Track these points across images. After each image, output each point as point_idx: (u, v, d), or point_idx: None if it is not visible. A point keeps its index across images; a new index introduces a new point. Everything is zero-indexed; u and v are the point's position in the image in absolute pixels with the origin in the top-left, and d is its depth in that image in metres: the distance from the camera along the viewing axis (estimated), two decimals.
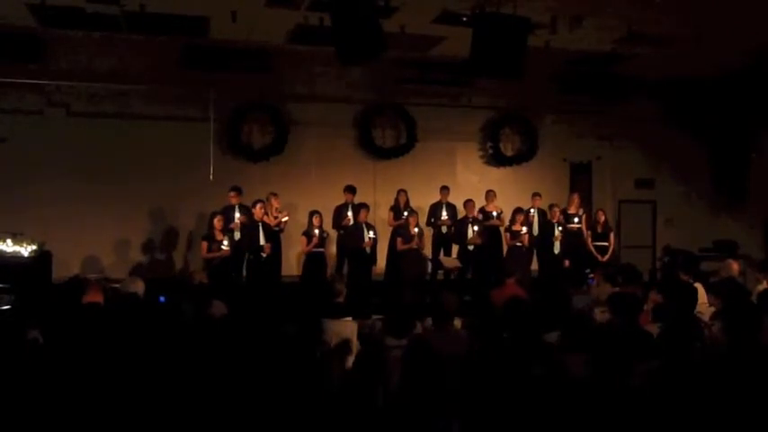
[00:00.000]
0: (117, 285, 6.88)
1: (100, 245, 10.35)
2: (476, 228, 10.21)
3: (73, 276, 8.49)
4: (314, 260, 9.58)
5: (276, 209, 9.72)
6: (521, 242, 10.19)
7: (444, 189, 10.72)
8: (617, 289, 6.10)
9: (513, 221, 10.28)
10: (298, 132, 11.12)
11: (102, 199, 10.11)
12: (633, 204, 12.85)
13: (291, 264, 10.47)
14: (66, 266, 9.72)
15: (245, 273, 9.40)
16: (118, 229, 10.42)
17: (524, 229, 10.17)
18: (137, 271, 10.11)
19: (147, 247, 10.64)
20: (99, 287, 6.14)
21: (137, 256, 10.59)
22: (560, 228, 10.37)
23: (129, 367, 3.58)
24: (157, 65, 10.36)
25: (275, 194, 9.81)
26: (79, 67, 10.04)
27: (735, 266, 7.25)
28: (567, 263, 10.39)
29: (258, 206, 9.33)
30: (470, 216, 10.36)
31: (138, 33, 9.59)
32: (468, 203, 10.45)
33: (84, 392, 3.37)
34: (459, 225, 10.43)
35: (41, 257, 8.64)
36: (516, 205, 10.56)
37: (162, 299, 5.83)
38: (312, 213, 9.60)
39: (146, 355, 3.75)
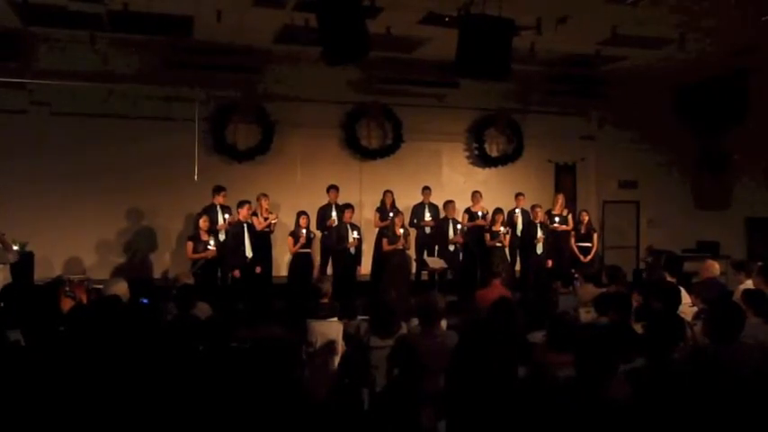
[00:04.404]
0: (100, 286, 6.83)
1: (82, 245, 10.26)
2: (458, 227, 10.26)
3: (56, 277, 8.43)
4: (300, 261, 9.57)
5: (266, 210, 9.70)
6: (500, 242, 10.24)
7: (426, 190, 10.76)
8: (602, 290, 6.15)
9: (493, 222, 10.33)
10: (283, 132, 11.09)
11: (86, 199, 10.03)
12: (617, 205, 12.94)
13: (279, 264, 10.44)
14: (48, 267, 9.66)
15: (231, 275, 9.36)
16: (101, 230, 10.34)
17: (502, 230, 10.22)
18: (119, 272, 10.04)
19: (130, 248, 10.55)
20: (82, 288, 6.10)
21: (119, 256, 10.51)
22: (542, 228, 10.44)
23: (112, 369, 3.55)
24: (142, 64, 10.29)
25: (266, 195, 9.77)
26: (62, 65, 9.92)
27: (716, 267, 7.33)
28: (549, 263, 10.46)
29: (246, 207, 9.29)
30: (450, 217, 10.40)
31: (122, 32, 9.51)
32: (449, 204, 10.49)
33: (66, 395, 3.34)
34: (439, 225, 10.46)
35: (23, 258, 8.55)
36: (502, 206, 10.62)
37: (145, 301, 5.79)
38: (299, 214, 9.58)
39: (129, 356, 3.72)
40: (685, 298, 6.05)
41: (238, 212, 9.31)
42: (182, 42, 9.94)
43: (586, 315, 5.63)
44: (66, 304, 5.44)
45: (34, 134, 9.96)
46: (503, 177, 12.24)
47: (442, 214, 10.59)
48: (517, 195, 10.94)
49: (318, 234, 10.09)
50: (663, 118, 12.37)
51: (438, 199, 10.78)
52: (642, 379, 3.52)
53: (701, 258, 8.92)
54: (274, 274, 10.03)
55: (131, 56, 10.24)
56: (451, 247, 10.27)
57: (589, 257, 10.53)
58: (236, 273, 9.22)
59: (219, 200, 9.45)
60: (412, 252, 10.54)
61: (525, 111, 12.38)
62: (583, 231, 10.66)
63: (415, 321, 5.28)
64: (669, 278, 6.86)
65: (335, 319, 5.79)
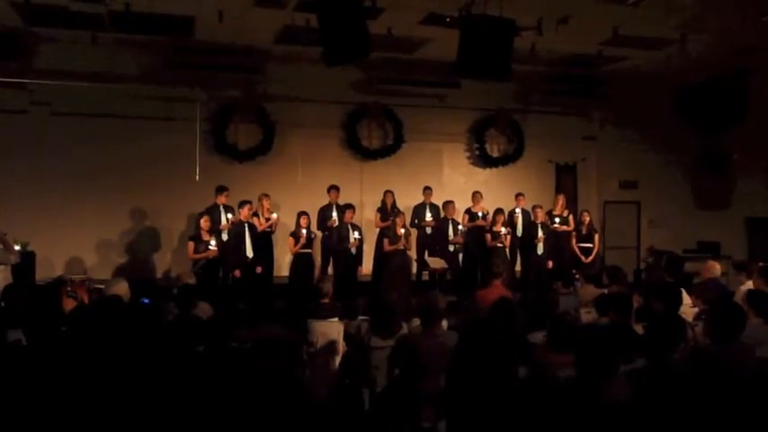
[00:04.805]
0: (101, 286, 6.84)
1: (83, 245, 10.26)
2: (459, 227, 10.26)
3: (57, 277, 8.44)
4: (301, 261, 9.57)
5: (268, 210, 9.71)
6: (501, 243, 10.23)
7: (427, 190, 10.77)
8: (603, 290, 6.16)
9: (493, 222, 10.33)
10: (284, 132, 11.10)
11: (87, 199, 10.04)
12: (618, 205, 12.95)
13: (280, 265, 10.44)
14: (49, 267, 9.67)
15: (232, 275, 9.35)
16: (102, 230, 10.35)
17: (503, 230, 10.22)
18: (121, 271, 10.05)
19: (132, 248, 10.56)
20: (84, 288, 6.10)
21: (121, 256, 10.52)
22: (543, 229, 10.44)
23: (114, 369, 3.55)
24: (143, 64, 10.30)
25: (267, 195, 9.79)
26: (63, 65, 9.92)
27: (717, 267, 7.33)
28: (550, 264, 10.46)
29: (247, 207, 9.30)
30: (450, 217, 10.40)
31: (124, 32, 9.52)
32: (448, 205, 10.49)
33: (68, 395, 3.34)
34: (439, 226, 10.47)
35: (25, 258, 8.55)
36: (502, 206, 10.61)
37: (146, 301, 5.79)
38: (300, 214, 9.58)
39: (130, 356, 3.73)
40: (686, 299, 6.05)
41: (239, 212, 9.33)
42: (183, 42, 9.95)
43: (587, 315, 5.64)
44: (69, 304, 5.45)
45: (34, 134, 9.97)
46: (503, 178, 12.24)
47: (442, 214, 10.60)
48: (517, 196, 10.93)
49: (319, 234, 10.10)
50: (663, 118, 12.36)
51: (439, 199, 10.77)
52: (643, 379, 3.53)
53: (701, 259, 8.94)
54: (275, 274, 10.04)
55: (132, 56, 10.24)
56: (451, 248, 10.27)
57: (590, 258, 10.51)
58: (237, 273, 9.23)
59: (222, 200, 9.47)
60: (413, 252, 10.54)
61: (526, 111, 12.38)
62: (584, 232, 10.64)
63: (415, 321, 5.28)
64: (669, 279, 6.87)
65: (336, 319, 5.79)
